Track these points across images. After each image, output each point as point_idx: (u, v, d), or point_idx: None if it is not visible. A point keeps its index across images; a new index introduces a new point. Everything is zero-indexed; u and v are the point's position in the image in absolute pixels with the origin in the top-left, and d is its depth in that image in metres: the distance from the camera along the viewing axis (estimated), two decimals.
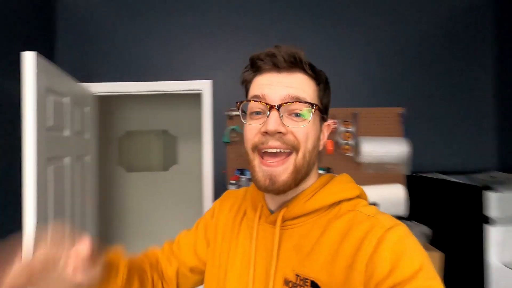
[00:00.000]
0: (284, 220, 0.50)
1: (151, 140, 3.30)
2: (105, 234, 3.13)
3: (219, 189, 1.99)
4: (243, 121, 0.52)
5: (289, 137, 0.47)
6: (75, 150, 1.65)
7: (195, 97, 2.98)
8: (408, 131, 1.95)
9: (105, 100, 3.15)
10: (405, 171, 1.91)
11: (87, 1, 2.00)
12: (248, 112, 0.52)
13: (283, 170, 0.47)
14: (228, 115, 1.97)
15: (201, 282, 0.63)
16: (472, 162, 2.03)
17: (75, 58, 1.99)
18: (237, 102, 0.54)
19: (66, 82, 1.54)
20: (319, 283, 0.44)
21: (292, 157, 0.47)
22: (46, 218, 1.28)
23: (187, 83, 1.99)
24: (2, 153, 1.44)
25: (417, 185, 1.86)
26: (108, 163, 3.20)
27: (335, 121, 1.92)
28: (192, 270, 0.63)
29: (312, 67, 0.51)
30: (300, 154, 0.47)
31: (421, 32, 2.03)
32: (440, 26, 2.04)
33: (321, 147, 0.53)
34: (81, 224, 1.71)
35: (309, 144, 0.48)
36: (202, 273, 0.62)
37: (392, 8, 2.03)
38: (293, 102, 0.47)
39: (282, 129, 0.46)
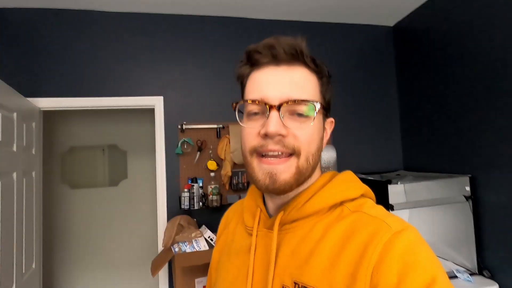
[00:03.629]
0: (282, 224, 0.47)
1: (97, 155, 3.23)
2: (50, 255, 2.94)
3: (173, 197, 2.12)
4: (240, 123, 0.48)
5: (290, 140, 0.43)
6: (22, 165, 1.64)
7: (144, 112, 3.06)
8: (335, 140, 2.35)
9: (48, 115, 3.03)
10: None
11: (33, 18, 2.01)
12: (245, 113, 0.47)
13: (284, 168, 0.43)
14: (180, 128, 2.14)
15: None
16: (384, 164, 2.50)
17: (21, 73, 1.96)
18: (232, 103, 0.48)
19: (13, 97, 1.56)
20: None
21: (294, 159, 0.44)
22: None
23: (140, 99, 2.11)
24: None
25: None
26: (51, 180, 3.04)
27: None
28: None
29: (313, 60, 0.47)
30: (303, 157, 0.44)
31: (338, 59, 2.48)
32: (352, 52, 2.52)
33: (324, 146, 0.49)
34: (27, 243, 1.68)
35: (313, 147, 0.45)
36: None
37: (315, 38, 2.45)
38: (294, 102, 0.43)
39: (283, 131, 0.42)
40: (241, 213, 0.59)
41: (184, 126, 2.14)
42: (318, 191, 0.47)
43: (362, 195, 0.48)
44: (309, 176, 0.47)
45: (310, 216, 0.46)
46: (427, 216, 2.02)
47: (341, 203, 0.46)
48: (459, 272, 1.72)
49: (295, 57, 0.45)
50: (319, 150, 0.47)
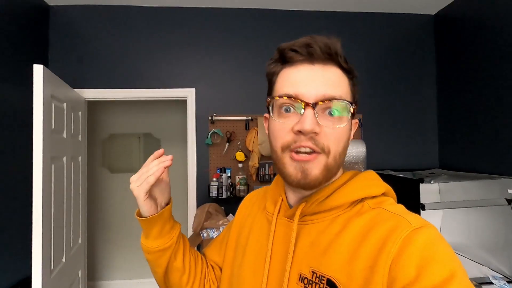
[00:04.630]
0: (302, 215, 0.49)
1: (133, 143, 3.45)
2: (91, 231, 3.24)
3: (202, 185, 2.22)
4: (273, 117, 0.48)
5: (321, 138, 0.44)
6: (71, 151, 1.82)
7: (176, 103, 3.19)
8: (365, 135, 2.29)
9: (90, 105, 3.28)
10: (362, 169, 2.24)
11: (79, 14, 2.17)
12: (275, 108, 0.47)
13: (315, 165, 0.45)
14: (210, 119, 2.21)
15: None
16: (418, 161, 2.40)
17: (67, 67, 2.15)
18: (268, 98, 0.49)
19: (64, 89, 1.72)
20: (336, 283, 0.41)
21: (323, 157, 0.45)
22: (50, 208, 1.46)
23: (174, 91, 2.21)
24: (15, 154, 1.60)
25: None
26: (93, 165, 3.31)
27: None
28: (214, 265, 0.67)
29: (346, 60, 0.47)
30: (331, 156, 0.45)
31: (373, 50, 2.38)
32: (388, 44, 2.40)
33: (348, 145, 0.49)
34: (74, 221, 1.87)
35: (341, 147, 0.46)
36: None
37: (348, 29, 2.37)
38: (330, 101, 0.44)
39: (317, 129, 0.43)
40: (262, 200, 0.61)
41: (214, 118, 2.21)
42: (341, 187, 0.48)
43: (384, 194, 0.49)
44: (335, 173, 0.49)
45: (331, 210, 0.47)
46: (462, 218, 1.92)
47: (362, 200, 0.47)
48: (495, 279, 1.62)
49: (330, 57, 0.46)
50: (346, 149, 0.48)
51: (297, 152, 0.45)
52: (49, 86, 1.46)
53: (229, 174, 2.18)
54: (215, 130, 2.20)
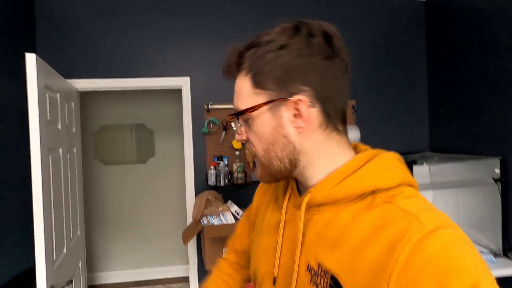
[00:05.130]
0: (309, 206, 0.47)
1: (125, 134, 3.41)
2: (87, 224, 3.23)
3: (200, 174, 2.24)
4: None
5: (249, 144, 0.49)
6: (66, 142, 1.79)
7: (170, 93, 3.16)
8: (358, 120, 2.33)
9: (82, 96, 3.20)
10: None
11: (67, 1, 2.10)
12: None
13: (258, 166, 0.50)
14: (206, 108, 2.21)
15: None
16: (410, 145, 2.47)
17: (57, 56, 2.09)
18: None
19: (57, 79, 1.68)
20: (340, 280, 0.39)
21: (257, 160, 0.49)
22: (50, 200, 1.46)
23: (167, 80, 2.19)
24: (11, 146, 1.57)
25: None
26: (86, 157, 3.27)
27: None
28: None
29: (239, 63, 0.47)
30: (260, 156, 0.48)
31: (364, 33, 2.40)
32: (379, 30, 2.43)
33: (303, 129, 0.44)
34: (73, 212, 1.87)
35: (264, 142, 0.46)
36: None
37: (340, 14, 2.38)
38: (233, 116, 0.49)
39: (244, 137, 0.49)
40: (275, 188, 0.60)
41: (210, 106, 2.21)
42: (349, 176, 0.43)
43: (400, 185, 0.42)
44: (288, 166, 0.47)
45: (337, 201, 0.44)
46: (451, 198, 2.00)
47: (373, 192, 0.42)
48: (483, 253, 1.73)
49: (230, 72, 0.49)
50: (277, 140, 0.45)
51: None
52: (43, 76, 1.42)
53: (226, 162, 2.20)
54: (211, 119, 2.20)
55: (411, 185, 0.43)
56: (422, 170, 1.86)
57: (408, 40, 2.46)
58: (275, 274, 0.49)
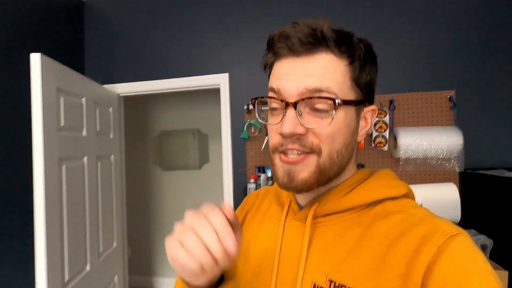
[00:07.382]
0: (315, 217, 0.45)
1: (187, 139, 3.35)
2: (145, 230, 3.27)
3: (240, 187, 1.89)
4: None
5: (309, 139, 0.40)
6: (95, 150, 1.69)
7: (219, 94, 2.93)
8: (461, 119, 1.60)
9: (139, 101, 3.29)
10: (457, 167, 1.57)
11: (111, 8, 2.05)
12: (269, 108, 0.46)
13: (302, 167, 0.41)
14: (246, 108, 1.85)
15: None
16: None
17: (102, 62, 2.06)
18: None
19: (81, 82, 1.57)
20: None
21: (313, 157, 0.41)
22: (61, 213, 1.32)
23: (204, 78, 1.92)
24: (20, 153, 1.53)
25: (474, 184, 1.51)
26: (144, 163, 3.33)
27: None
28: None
29: (340, 42, 0.40)
30: (325, 155, 0.41)
31: (473, 16, 1.65)
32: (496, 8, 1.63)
33: (361, 138, 0.45)
34: (103, 224, 1.75)
35: (337, 144, 0.41)
36: None
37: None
38: (311, 98, 0.39)
39: (300, 130, 0.40)
40: (262, 202, 0.57)
41: (250, 107, 1.84)
42: (358, 186, 0.45)
43: (405, 195, 0.44)
44: (336, 174, 0.44)
45: (347, 210, 0.44)
46: None
47: (382, 201, 0.43)
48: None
49: (314, 45, 0.40)
50: (350, 144, 0.43)
51: (286, 153, 0.42)
52: (53, 78, 1.30)
53: (269, 175, 1.79)
54: (252, 122, 1.83)
55: (412, 198, 0.46)
56: None
57: None
58: None
